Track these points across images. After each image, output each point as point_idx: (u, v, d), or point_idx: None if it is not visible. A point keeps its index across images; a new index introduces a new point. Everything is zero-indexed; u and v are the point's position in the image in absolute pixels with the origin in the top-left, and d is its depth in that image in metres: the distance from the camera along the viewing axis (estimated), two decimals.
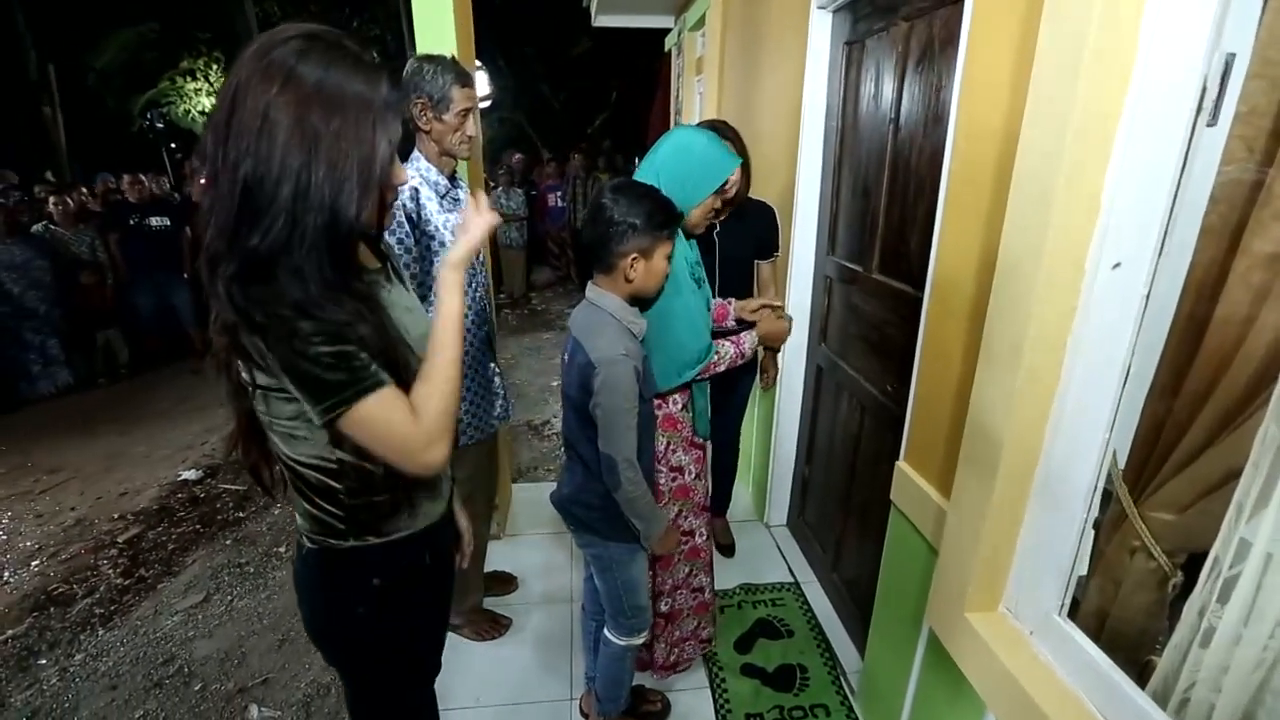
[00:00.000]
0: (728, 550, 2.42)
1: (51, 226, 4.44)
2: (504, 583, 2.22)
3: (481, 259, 1.76)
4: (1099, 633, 0.99)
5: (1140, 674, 0.91)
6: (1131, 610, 0.98)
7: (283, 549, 2.63)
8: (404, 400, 0.79)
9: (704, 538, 1.63)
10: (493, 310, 1.91)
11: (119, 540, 2.74)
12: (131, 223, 4.60)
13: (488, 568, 2.15)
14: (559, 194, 7.16)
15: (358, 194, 0.74)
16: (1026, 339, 0.93)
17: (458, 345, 0.85)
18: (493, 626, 2.02)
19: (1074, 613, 1.01)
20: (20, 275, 4.16)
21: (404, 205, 1.48)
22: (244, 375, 0.79)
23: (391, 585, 0.95)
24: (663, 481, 1.49)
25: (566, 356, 1.32)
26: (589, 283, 1.31)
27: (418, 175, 1.54)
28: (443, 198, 1.59)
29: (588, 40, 10.99)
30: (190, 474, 3.29)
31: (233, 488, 3.14)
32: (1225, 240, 0.83)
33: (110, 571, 2.53)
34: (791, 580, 2.29)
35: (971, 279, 1.15)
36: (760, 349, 1.59)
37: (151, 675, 1.99)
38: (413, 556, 0.98)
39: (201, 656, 2.07)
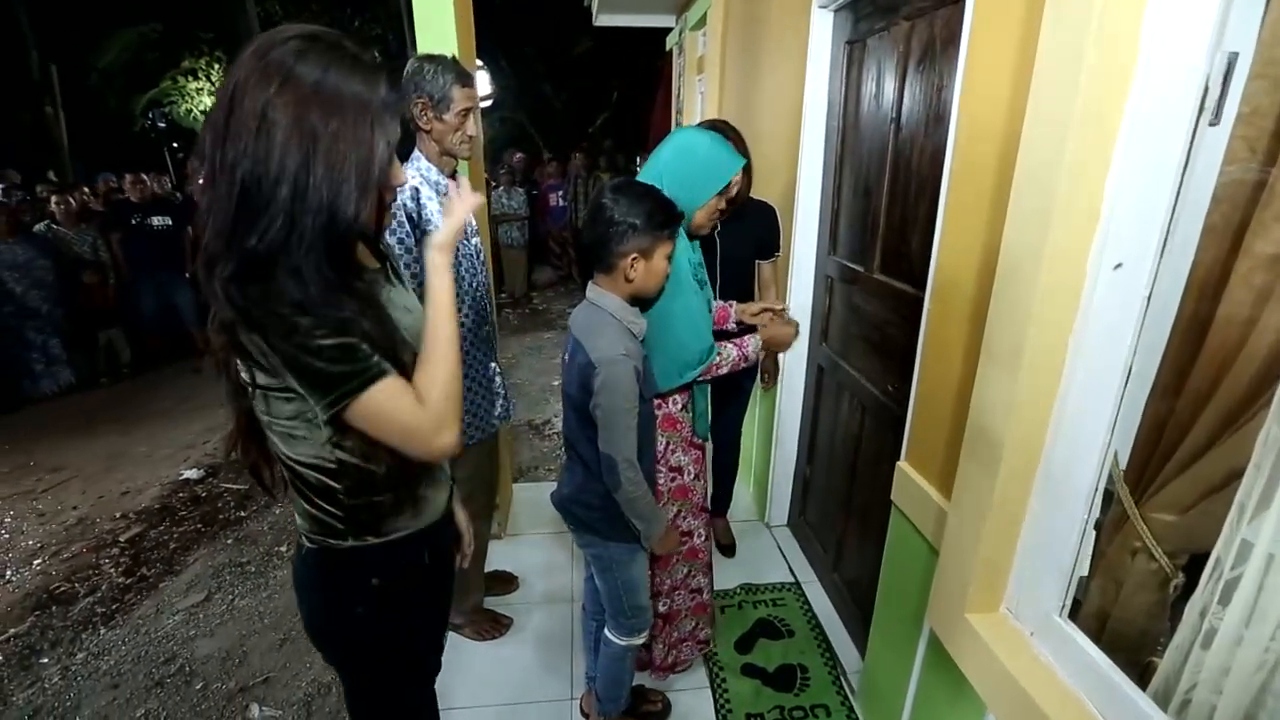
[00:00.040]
0: (728, 550, 2.42)
1: (54, 226, 4.45)
2: (505, 582, 2.22)
3: (482, 258, 1.76)
4: (1100, 634, 0.99)
5: (1141, 675, 0.90)
6: (1133, 611, 0.98)
7: (284, 548, 2.63)
8: (409, 388, 0.79)
9: (702, 538, 1.62)
10: (493, 310, 1.91)
11: (121, 539, 2.75)
12: (133, 222, 4.61)
13: (489, 567, 2.15)
14: (560, 193, 7.16)
15: (356, 194, 0.74)
16: (1028, 339, 0.92)
17: (452, 325, 0.85)
18: (493, 626, 2.02)
19: (1075, 613, 1.00)
20: (23, 275, 4.17)
21: (404, 205, 1.47)
22: (243, 375, 0.79)
23: (391, 585, 0.95)
24: (662, 481, 1.49)
25: (567, 356, 1.32)
26: (589, 283, 1.30)
27: (418, 175, 1.54)
28: (443, 197, 1.59)
29: (589, 40, 11.00)
30: (192, 473, 3.30)
31: (234, 487, 3.15)
32: (1227, 241, 0.82)
33: (112, 570, 2.54)
34: (792, 580, 2.29)
35: (973, 279, 1.15)
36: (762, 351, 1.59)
37: (153, 674, 2.00)
38: (412, 556, 0.98)
39: (203, 655, 2.07)
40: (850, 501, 2.01)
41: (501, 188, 6.58)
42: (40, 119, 9.89)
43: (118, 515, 2.94)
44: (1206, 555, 0.82)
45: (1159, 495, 0.93)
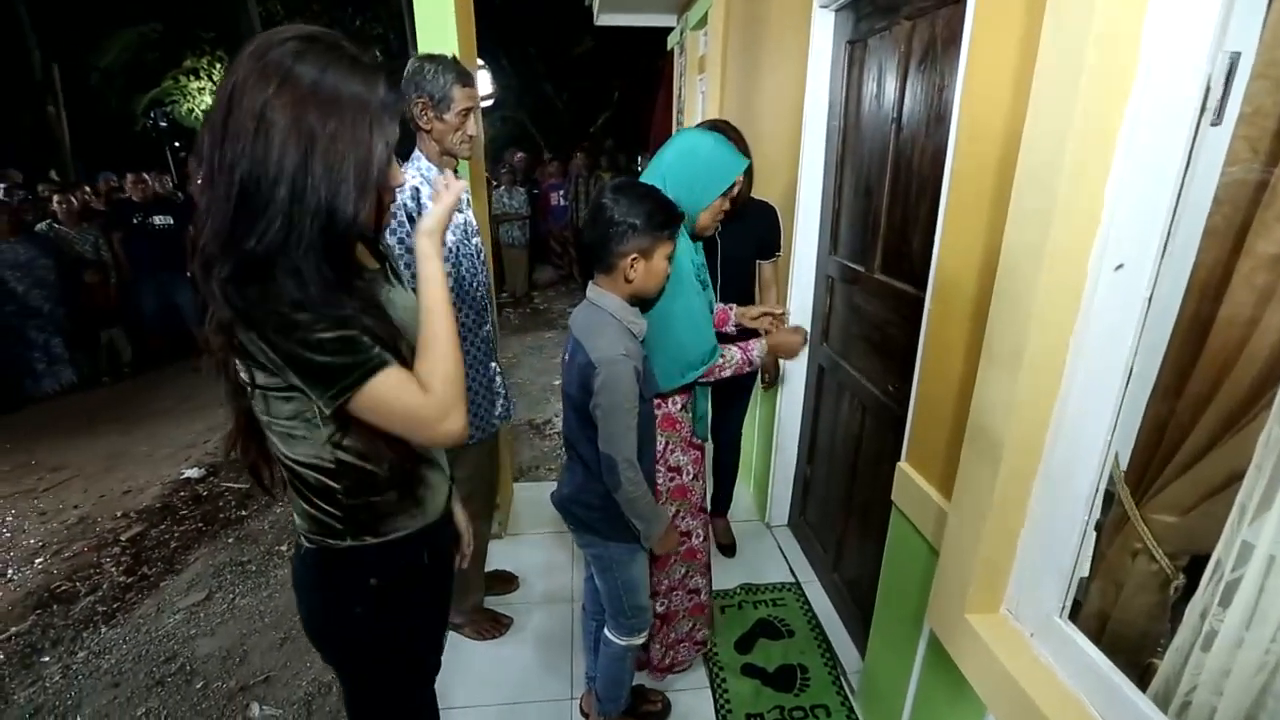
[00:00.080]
0: (729, 550, 2.42)
1: (55, 225, 4.45)
2: (505, 582, 2.22)
3: (483, 257, 1.76)
4: (1100, 635, 0.99)
5: (1141, 677, 0.90)
6: (1133, 612, 0.98)
7: (284, 547, 2.64)
8: (411, 377, 0.79)
9: (701, 539, 1.62)
10: (494, 309, 1.91)
11: (122, 538, 2.75)
12: (135, 222, 4.62)
13: (489, 567, 2.15)
14: (561, 193, 7.16)
15: (354, 195, 0.74)
16: (1028, 340, 0.92)
17: (447, 309, 0.84)
18: (494, 626, 2.02)
19: (1075, 614, 1.00)
20: (24, 274, 4.17)
21: (405, 205, 1.48)
22: (242, 375, 0.79)
23: (389, 585, 0.95)
24: (660, 481, 1.49)
25: (567, 356, 1.32)
26: (590, 283, 1.30)
27: (419, 175, 1.54)
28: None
29: (590, 39, 11.00)
30: (193, 472, 3.30)
31: (235, 486, 3.15)
32: (1229, 242, 0.82)
33: (113, 569, 2.54)
34: (792, 580, 2.29)
35: (973, 279, 1.15)
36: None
37: (154, 673, 2.00)
38: (411, 556, 0.98)
39: (203, 654, 2.07)
40: (850, 502, 2.01)
41: (503, 187, 6.58)
42: (42, 118, 9.91)
43: (119, 514, 2.95)
44: (1207, 557, 0.82)
45: (1160, 496, 0.93)
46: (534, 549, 2.44)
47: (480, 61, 3.44)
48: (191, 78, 11.53)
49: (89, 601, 2.35)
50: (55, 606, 2.33)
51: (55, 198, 4.60)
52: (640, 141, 8.63)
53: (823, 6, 1.93)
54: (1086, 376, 0.92)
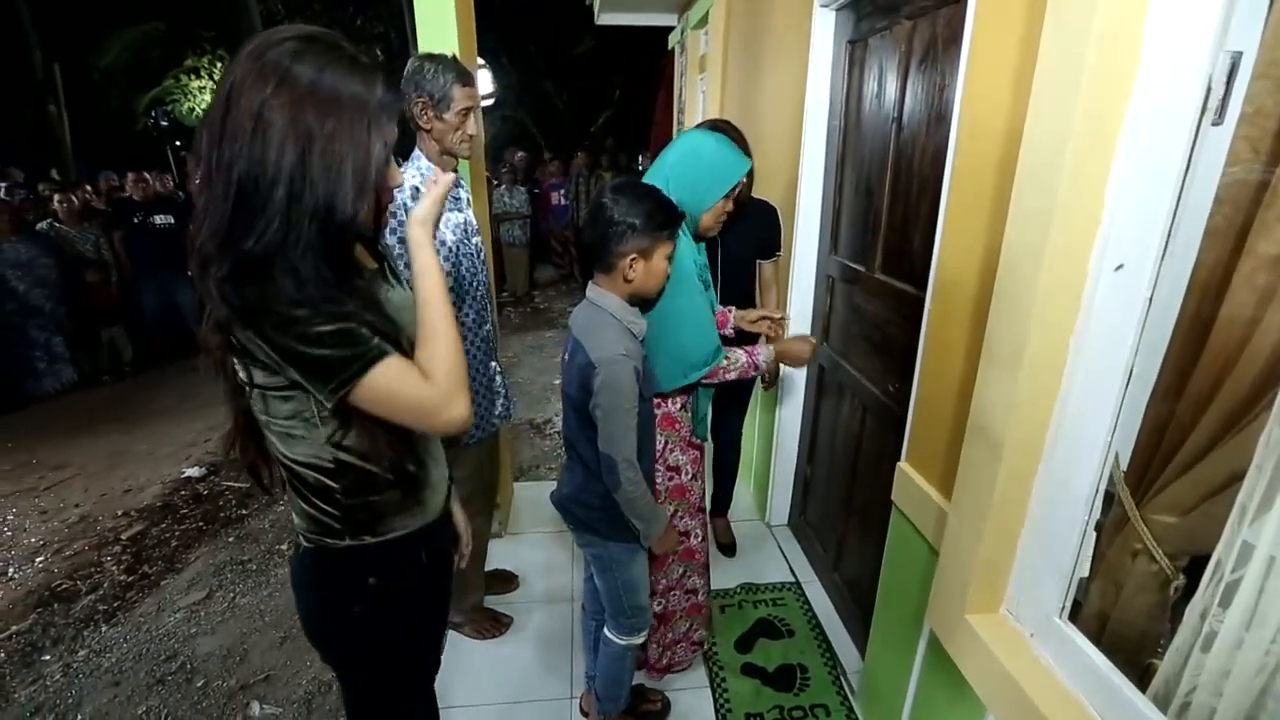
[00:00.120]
0: (729, 550, 2.42)
1: (56, 224, 4.46)
2: (505, 581, 2.23)
3: (483, 257, 1.76)
4: (1100, 635, 0.98)
5: (1141, 677, 0.90)
6: (1133, 613, 0.97)
7: (285, 546, 2.64)
8: (412, 365, 0.79)
9: (699, 539, 1.62)
10: (494, 309, 1.91)
11: (122, 537, 2.76)
12: (136, 221, 4.63)
13: (489, 566, 2.16)
14: (562, 192, 7.17)
15: (352, 195, 0.74)
16: (1028, 340, 0.92)
17: (444, 297, 0.84)
18: (494, 625, 2.02)
19: (1075, 615, 1.00)
20: (25, 273, 4.18)
21: (405, 205, 1.47)
22: (240, 374, 0.79)
23: (388, 585, 0.95)
24: (659, 480, 1.49)
25: (567, 356, 1.32)
26: (589, 282, 1.30)
27: (419, 174, 1.54)
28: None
29: (591, 38, 10.99)
30: (193, 471, 3.30)
31: (235, 485, 3.15)
32: (1229, 242, 0.82)
33: (114, 568, 2.54)
34: (792, 580, 2.29)
35: (974, 279, 1.15)
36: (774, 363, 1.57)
37: (154, 672, 2.00)
38: (410, 556, 0.98)
39: (204, 653, 2.07)
40: (851, 501, 2.01)
41: (503, 186, 6.58)
42: (43, 118, 9.91)
43: (120, 513, 2.95)
44: (1207, 557, 0.81)
45: (1160, 497, 0.92)
46: (534, 548, 2.44)
47: (481, 60, 3.44)
48: (193, 77, 11.53)
49: (90, 600, 2.35)
50: (56, 605, 2.33)
51: (56, 197, 4.60)
52: (641, 141, 8.63)
53: (823, 6, 1.93)
54: (1087, 376, 0.91)
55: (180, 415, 4.03)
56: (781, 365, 2.28)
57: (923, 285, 1.35)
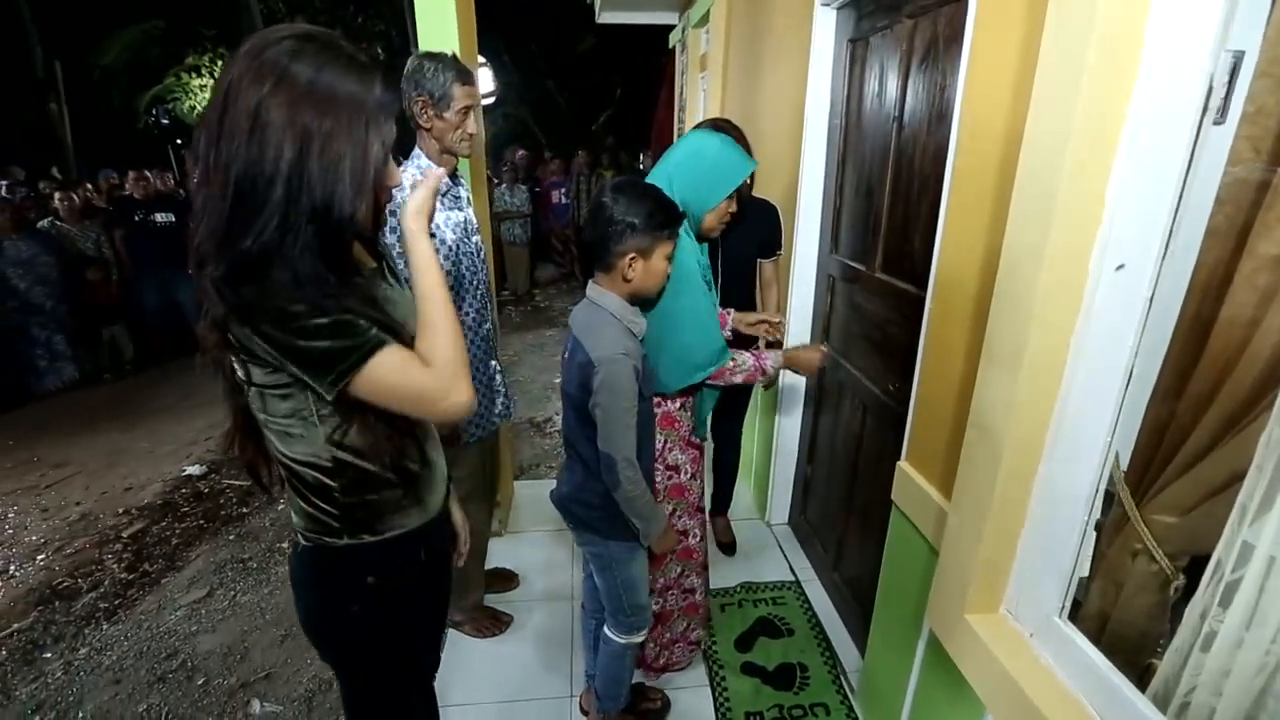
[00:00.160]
0: (729, 548, 2.42)
1: (57, 222, 4.47)
2: (505, 580, 2.23)
3: (483, 256, 1.76)
4: (1100, 635, 0.98)
5: (1141, 677, 0.90)
6: (1133, 613, 0.97)
7: (286, 544, 2.64)
8: (412, 354, 0.79)
9: (697, 538, 1.62)
10: (494, 307, 1.91)
11: (123, 535, 2.76)
12: (137, 219, 4.63)
13: (489, 565, 2.16)
14: (563, 190, 7.16)
15: (350, 195, 0.73)
16: (1029, 340, 0.92)
17: (442, 285, 0.84)
18: (494, 624, 2.02)
19: (1075, 615, 1.00)
20: (26, 271, 4.18)
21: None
22: (238, 373, 0.79)
23: (387, 583, 0.95)
24: (658, 479, 1.49)
25: (566, 354, 1.32)
26: (590, 281, 1.30)
27: (418, 173, 1.54)
28: (444, 195, 1.59)
29: (592, 37, 10.97)
30: (194, 469, 3.31)
31: (236, 483, 3.16)
32: (1230, 242, 0.82)
33: (115, 566, 2.55)
34: (792, 579, 2.29)
35: (974, 279, 1.15)
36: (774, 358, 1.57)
37: (155, 669, 2.01)
38: (408, 554, 0.98)
39: (204, 651, 2.08)
40: (851, 501, 2.01)
41: (504, 185, 6.58)
42: (44, 116, 9.92)
43: (120, 511, 2.96)
44: (1207, 557, 0.81)
45: (1160, 497, 0.92)
46: (534, 547, 2.44)
47: (481, 59, 3.43)
48: (193, 75, 11.52)
49: (91, 598, 2.35)
50: (57, 603, 2.34)
51: (57, 195, 4.61)
52: (642, 139, 8.62)
53: (824, 4, 1.92)
54: (1087, 377, 0.91)
55: (181, 413, 4.04)
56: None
57: (923, 285, 1.35)
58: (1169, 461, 0.91)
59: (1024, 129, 0.92)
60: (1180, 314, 0.88)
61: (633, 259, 1.22)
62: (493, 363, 1.81)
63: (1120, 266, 0.86)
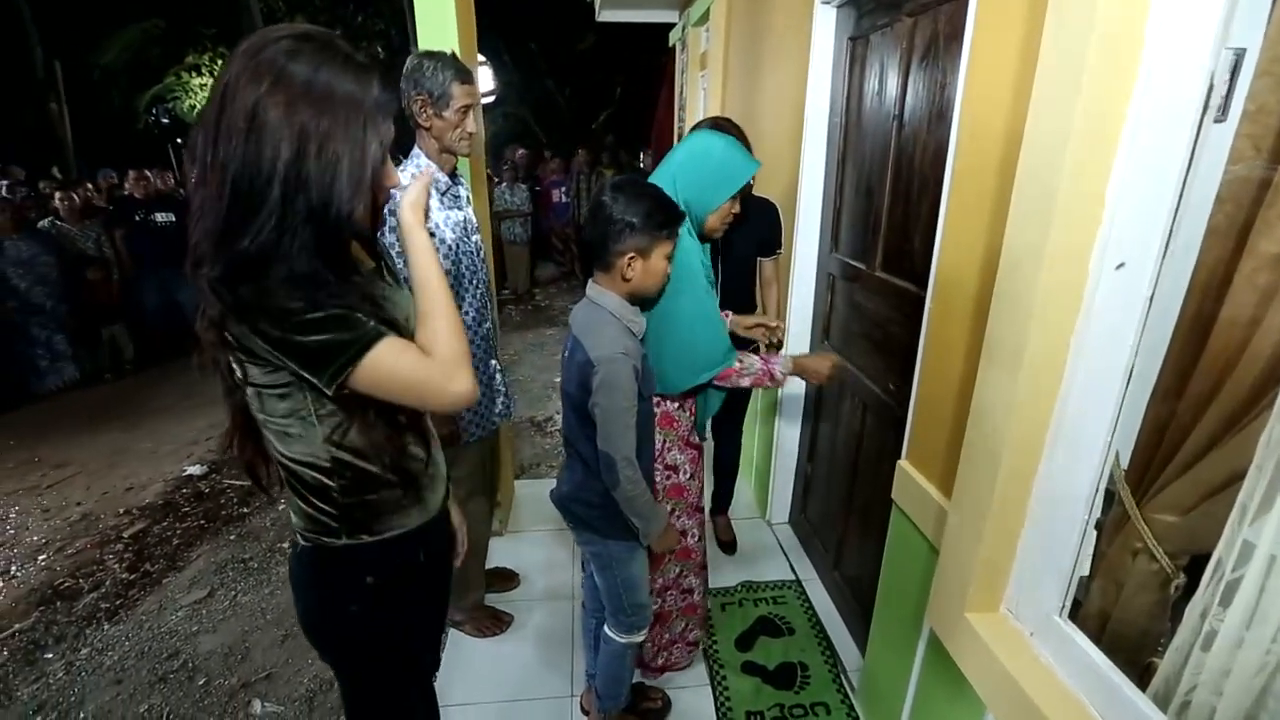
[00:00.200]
0: (729, 547, 2.42)
1: (58, 222, 4.46)
2: (506, 579, 2.23)
3: (483, 255, 1.76)
4: (1100, 634, 0.98)
5: (1141, 676, 0.90)
6: (1133, 612, 0.97)
7: (286, 544, 2.64)
8: (411, 345, 0.79)
9: (696, 538, 1.62)
10: (494, 307, 1.91)
11: (124, 535, 2.76)
12: (137, 218, 4.63)
13: (490, 564, 2.16)
14: (563, 189, 7.16)
15: (348, 195, 0.73)
16: (1029, 339, 0.92)
17: (440, 276, 0.84)
18: (494, 623, 2.03)
19: (1075, 614, 1.00)
20: (27, 271, 4.18)
21: None
22: (236, 373, 0.79)
23: (385, 583, 0.95)
24: (658, 479, 1.49)
25: (566, 354, 1.32)
26: (589, 280, 1.30)
27: (418, 172, 1.54)
28: (443, 195, 1.59)
29: (592, 35, 10.97)
30: (195, 469, 3.31)
31: (237, 483, 3.15)
32: (1231, 241, 0.81)
33: (116, 566, 2.55)
34: (793, 578, 2.29)
35: (974, 278, 1.14)
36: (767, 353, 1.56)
37: (156, 670, 2.01)
38: (407, 554, 0.98)
39: (205, 651, 2.08)
40: (851, 500, 2.01)
41: (504, 184, 6.58)
42: (44, 116, 9.93)
43: (121, 511, 2.96)
44: (1207, 556, 0.81)
45: (1160, 496, 0.92)
46: (535, 546, 2.44)
47: (481, 57, 3.43)
48: (193, 74, 11.52)
49: (92, 598, 2.36)
50: (58, 603, 2.34)
51: (57, 194, 4.61)
52: (642, 138, 8.61)
53: (825, 2, 1.92)
54: (1087, 376, 0.91)
55: (182, 413, 4.04)
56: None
57: (923, 284, 1.35)
58: (1169, 460, 0.91)
59: (1024, 128, 0.92)
60: (1180, 313, 0.88)
61: (632, 258, 1.22)
62: (493, 362, 1.81)
63: (1121, 265, 0.85)
